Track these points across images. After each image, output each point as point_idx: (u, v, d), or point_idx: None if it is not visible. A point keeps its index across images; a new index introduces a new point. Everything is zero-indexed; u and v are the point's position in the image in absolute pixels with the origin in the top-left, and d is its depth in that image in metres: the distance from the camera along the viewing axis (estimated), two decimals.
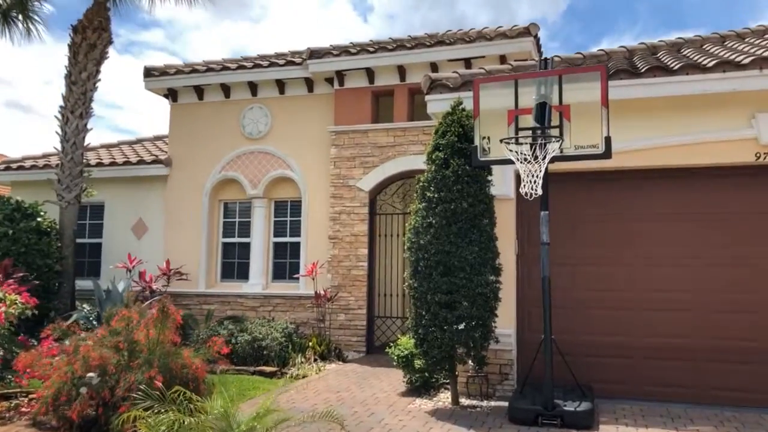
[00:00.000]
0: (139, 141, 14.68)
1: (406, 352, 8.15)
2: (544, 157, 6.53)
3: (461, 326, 7.14)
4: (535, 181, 6.57)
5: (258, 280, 12.37)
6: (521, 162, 6.67)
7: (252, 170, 12.59)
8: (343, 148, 11.88)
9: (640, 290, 7.86)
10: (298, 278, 11.81)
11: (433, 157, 7.48)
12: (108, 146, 14.37)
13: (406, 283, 7.62)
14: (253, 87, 12.69)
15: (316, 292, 11.09)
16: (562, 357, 7.12)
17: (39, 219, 11.27)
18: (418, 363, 7.88)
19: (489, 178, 7.57)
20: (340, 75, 11.95)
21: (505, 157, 6.86)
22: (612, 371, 7.86)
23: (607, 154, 6.53)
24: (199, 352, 7.05)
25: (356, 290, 11.50)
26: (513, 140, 6.80)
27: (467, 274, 7.17)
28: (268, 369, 9.48)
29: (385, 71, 11.80)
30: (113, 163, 13.18)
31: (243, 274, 12.63)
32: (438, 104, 8.24)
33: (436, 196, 7.31)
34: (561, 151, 6.69)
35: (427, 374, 8.02)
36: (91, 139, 13.41)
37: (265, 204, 12.58)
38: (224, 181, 12.78)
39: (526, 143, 6.69)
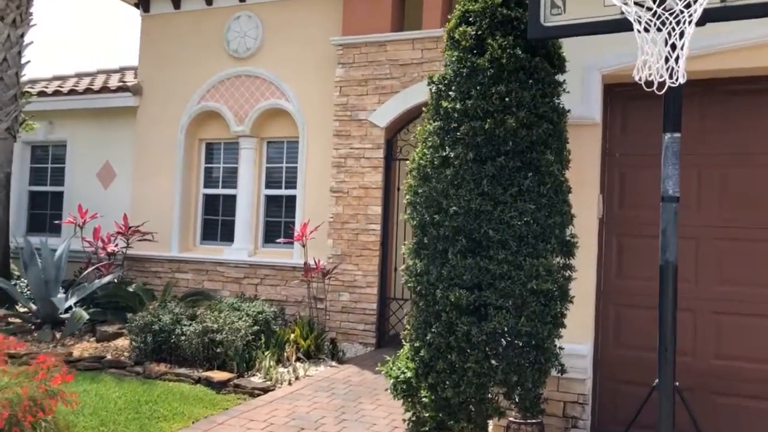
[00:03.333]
0: (103, 72, 11.43)
1: (408, 374, 4.78)
2: (690, 17, 2.93)
3: (498, 350, 3.74)
4: (672, 59, 2.97)
5: (244, 244, 9.20)
6: (643, 22, 3.07)
7: (238, 100, 9.30)
8: (353, 67, 8.42)
9: None
10: (293, 243, 8.55)
11: (457, 35, 3.97)
12: (61, 77, 11.25)
13: (404, 266, 4.26)
14: None
15: (305, 264, 7.81)
16: (689, 412, 3.64)
17: None
18: (426, 397, 4.52)
19: (560, 78, 4.05)
20: None
21: (605, 18, 3.31)
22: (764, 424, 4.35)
23: None
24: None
25: (365, 262, 8.18)
26: None
27: (512, 253, 3.74)
28: (218, 376, 6.31)
29: None
30: (72, 91, 10.12)
31: (228, 235, 9.48)
32: None
33: (458, 107, 3.85)
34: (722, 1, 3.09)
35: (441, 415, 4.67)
36: (36, 65, 10.40)
37: (254, 144, 9.31)
38: (204, 114, 9.55)
39: None
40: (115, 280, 8.80)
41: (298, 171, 8.89)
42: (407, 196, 4.16)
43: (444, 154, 3.90)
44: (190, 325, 6.69)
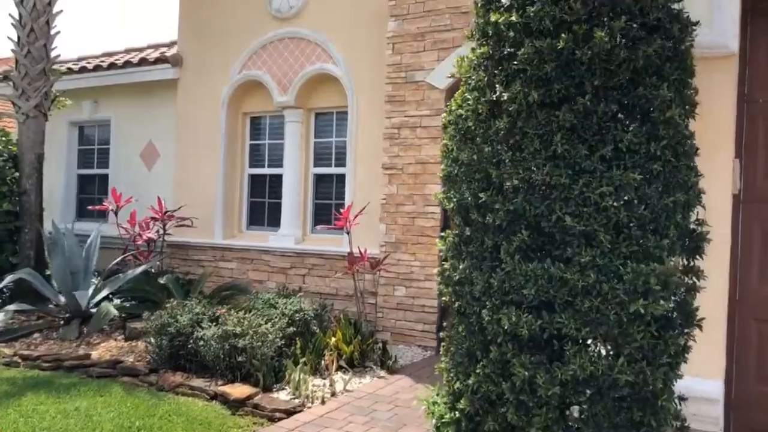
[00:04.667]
0: (153, 46, 10.38)
1: (458, 414, 3.39)
2: None
3: (582, 407, 2.30)
4: None
5: (290, 229, 8.02)
6: None
7: (281, 66, 8.08)
8: (407, 19, 6.98)
9: None
10: (342, 229, 7.27)
11: None
12: (111, 53, 10.31)
13: (438, 269, 2.87)
14: None
15: (349, 254, 6.51)
16: None
17: None
18: None
19: None
20: None
21: None
22: None
23: None
24: None
25: (422, 250, 6.79)
26: None
27: (603, 253, 2.25)
28: (236, 392, 5.13)
29: None
30: (113, 65, 9.25)
31: (276, 220, 8.34)
32: None
33: (515, 19, 2.37)
34: None
35: None
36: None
37: (300, 117, 8.08)
38: (247, 84, 8.41)
39: None
40: (152, 270, 7.87)
41: (347, 145, 7.58)
42: (442, 166, 2.76)
43: (493, 97, 2.45)
44: (209, 328, 5.56)
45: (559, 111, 2.31)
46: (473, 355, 2.55)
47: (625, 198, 2.27)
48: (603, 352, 2.33)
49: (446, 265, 2.69)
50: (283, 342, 5.72)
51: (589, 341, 2.31)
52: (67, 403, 4.88)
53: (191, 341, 5.55)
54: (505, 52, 2.42)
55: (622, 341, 2.27)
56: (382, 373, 5.96)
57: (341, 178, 7.78)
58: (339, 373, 5.77)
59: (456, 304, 2.59)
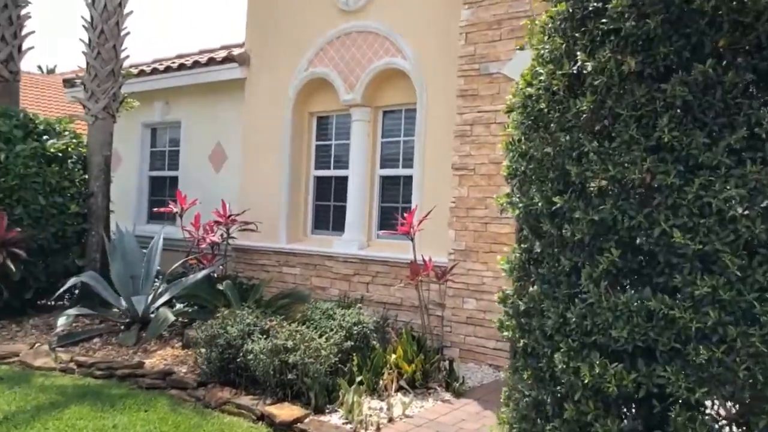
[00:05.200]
0: (206, 52, 10.11)
1: None
2: None
3: None
4: None
5: (355, 234, 7.54)
6: None
7: (348, 62, 7.62)
8: (482, 7, 6.33)
9: None
10: (408, 235, 6.68)
11: None
12: (160, 60, 10.13)
13: (499, 294, 2.25)
14: None
15: (412, 262, 5.92)
16: None
17: (49, 140, 7.58)
18: None
19: None
20: None
21: None
22: None
23: None
24: None
25: (496, 260, 6.12)
26: None
27: (728, 283, 1.58)
28: (283, 413, 4.65)
29: None
30: (182, 66, 9.10)
31: (341, 224, 7.89)
32: None
33: None
34: None
35: None
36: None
37: (367, 115, 7.58)
38: (313, 82, 8.00)
39: None
40: (215, 274, 7.60)
41: (416, 144, 7.01)
42: (505, 162, 2.14)
43: (573, 69, 1.83)
44: (259, 340, 5.13)
45: (666, 84, 1.66)
46: (542, 410, 1.93)
47: (763, 205, 1.59)
48: (724, 419, 1.65)
49: (509, 290, 2.07)
50: (338, 357, 5.23)
51: (704, 406, 1.64)
52: (107, 419, 4.57)
53: (241, 354, 5.14)
54: (590, 8, 1.78)
55: (756, 409, 1.58)
56: (447, 395, 5.34)
57: (409, 180, 7.22)
58: (398, 394, 5.20)
59: (521, 342, 1.98)
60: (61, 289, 6.73)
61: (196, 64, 8.88)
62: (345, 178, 7.76)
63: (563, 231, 1.87)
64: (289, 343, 5.02)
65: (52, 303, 7.94)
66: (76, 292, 7.76)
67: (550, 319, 1.85)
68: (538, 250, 2.01)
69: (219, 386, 5.23)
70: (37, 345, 6.46)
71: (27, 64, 43.38)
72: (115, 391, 5.29)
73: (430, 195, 6.77)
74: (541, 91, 1.93)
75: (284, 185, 8.08)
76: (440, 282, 5.88)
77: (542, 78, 1.92)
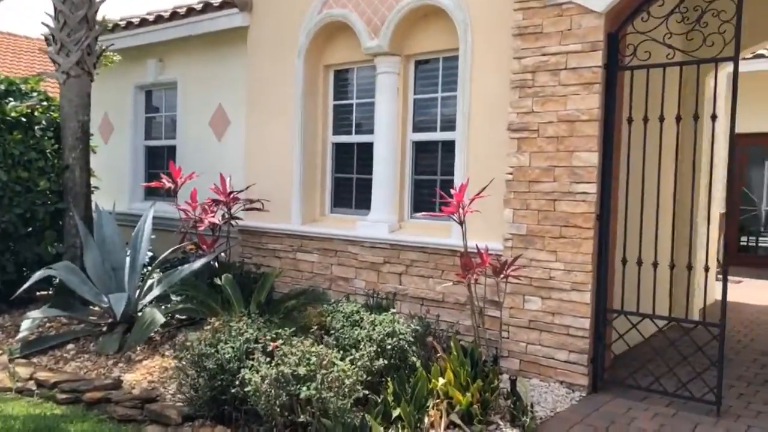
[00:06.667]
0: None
1: None
2: None
3: None
4: None
5: (383, 214, 6.13)
6: None
7: (371, 0, 6.12)
8: None
9: None
10: (459, 218, 5.22)
11: None
12: (153, 13, 8.58)
13: None
14: None
15: (462, 254, 4.49)
16: None
17: (11, 102, 6.22)
18: None
19: None
20: None
21: None
22: None
23: None
24: None
25: (568, 248, 4.67)
26: None
27: None
28: None
29: None
30: (174, 15, 7.64)
31: (366, 201, 6.48)
32: None
33: None
34: None
35: None
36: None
37: (395, 66, 6.09)
38: (329, 27, 6.50)
39: None
40: (215, 263, 6.28)
41: (458, 101, 5.52)
42: None
43: None
44: (261, 366, 3.76)
45: None
46: None
47: None
48: None
49: None
50: (368, 381, 3.89)
51: None
52: None
53: (237, 382, 3.80)
54: None
55: None
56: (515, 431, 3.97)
57: (449, 147, 5.76)
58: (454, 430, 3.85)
59: None
60: (26, 285, 5.44)
61: (190, 11, 7.42)
62: (370, 146, 6.32)
63: None
64: (301, 370, 3.67)
65: (27, 297, 6.69)
66: (55, 286, 6.51)
67: None
68: None
69: (210, 423, 3.92)
70: None
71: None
72: (76, 427, 4.00)
73: (479, 165, 5.31)
74: None
75: (297, 155, 6.67)
76: (498, 278, 4.45)
77: None
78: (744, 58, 9.65)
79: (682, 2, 4.39)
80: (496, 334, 4.87)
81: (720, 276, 4.44)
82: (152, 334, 5.45)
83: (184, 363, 4.11)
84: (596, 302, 4.65)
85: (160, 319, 5.36)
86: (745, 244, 10.29)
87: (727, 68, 7.59)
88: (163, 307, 5.63)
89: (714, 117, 4.34)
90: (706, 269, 4.51)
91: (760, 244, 10.82)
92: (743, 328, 6.64)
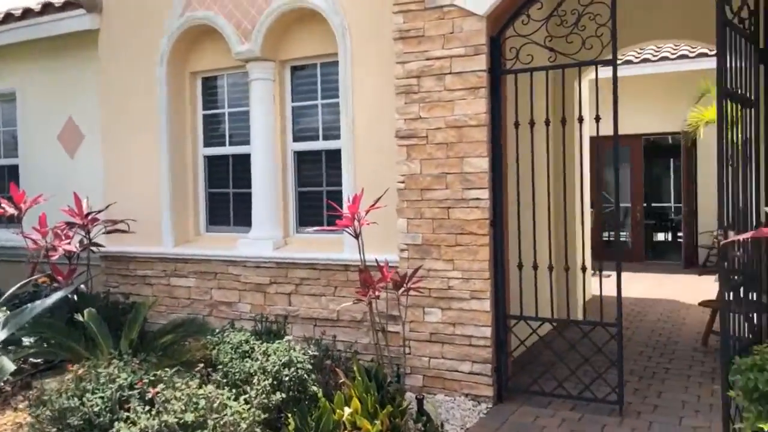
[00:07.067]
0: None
1: None
2: None
3: None
4: None
5: (267, 230, 5.69)
6: None
7: (239, 2, 5.66)
8: None
9: None
10: (355, 231, 4.91)
11: None
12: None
13: None
14: None
15: (361, 270, 4.21)
16: None
17: None
18: None
19: None
20: None
21: None
22: None
23: None
24: None
25: (464, 255, 4.54)
26: None
27: None
28: None
29: None
30: (9, 17, 6.70)
31: (245, 216, 5.99)
32: None
33: None
34: None
35: None
36: None
37: (270, 72, 5.68)
38: (193, 31, 5.95)
39: None
40: (75, 296, 5.51)
41: (341, 108, 5.24)
42: None
43: None
44: (139, 416, 3.23)
45: None
46: None
47: None
48: None
49: None
50: (266, 418, 3.49)
51: None
52: None
53: None
54: None
55: None
56: None
57: (335, 156, 5.46)
58: None
59: None
60: None
61: (27, 13, 6.52)
62: (247, 157, 5.86)
63: None
64: (189, 417, 3.19)
65: None
66: None
67: None
68: None
69: None
70: None
71: None
72: None
73: (367, 173, 5.07)
74: None
75: (164, 170, 6.05)
76: (399, 292, 4.21)
77: None
78: (631, 62, 10.26)
79: (559, 5, 4.41)
80: (397, 351, 4.63)
81: (598, 273, 4.55)
82: (1, 384, 4.65)
83: (42, 420, 3.47)
84: (495, 309, 4.56)
85: (10, 366, 4.50)
86: (608, 239, 10.96)
87: (589, 75, 7.93)
88: (11, 352, 4.82)
89: (581, 119, 4.49)
90: (583, 269, 4.60)
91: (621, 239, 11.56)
92: (623, 322, 6.92)
